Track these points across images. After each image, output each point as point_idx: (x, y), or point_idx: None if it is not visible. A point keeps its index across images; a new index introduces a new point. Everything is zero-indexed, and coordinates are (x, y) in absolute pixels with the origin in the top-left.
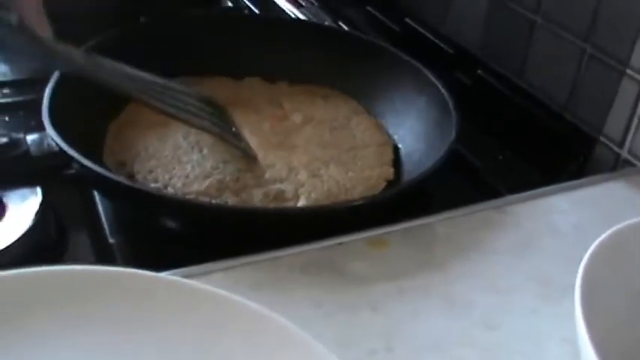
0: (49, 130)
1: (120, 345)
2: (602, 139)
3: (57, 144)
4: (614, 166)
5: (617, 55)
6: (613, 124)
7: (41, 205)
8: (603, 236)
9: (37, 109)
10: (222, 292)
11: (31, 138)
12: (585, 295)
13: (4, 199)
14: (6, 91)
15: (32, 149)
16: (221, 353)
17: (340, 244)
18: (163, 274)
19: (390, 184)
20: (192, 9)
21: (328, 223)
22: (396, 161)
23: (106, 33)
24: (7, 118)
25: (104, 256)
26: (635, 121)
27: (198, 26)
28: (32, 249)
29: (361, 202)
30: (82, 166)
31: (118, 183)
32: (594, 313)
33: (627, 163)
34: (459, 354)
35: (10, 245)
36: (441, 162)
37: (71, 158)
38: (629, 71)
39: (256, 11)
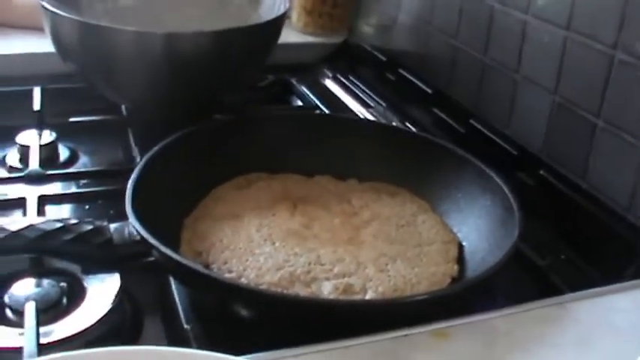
0: (132, 219)
1: None
2: None
3: (138, 232)
4: None
5: None
6: None
7: (119, 290)
8: None
9: (115, 199)
10: None
11: (113, 226)
12: None
13: (85, 283)
14: (86, 181)
15: (115, 237)
16: None
17: (405, 335)
18: (236, 358)
19: (454, 280)
20: (263, 107)
21: (395, 316)
22: (460, 258)
23: (180, 132)
24: (87, 207)
25: (178, 342)
26: None
27: (271, 124)
28: (109, 333)
29: (426, 297)
30: (161, 253)
31: (195, 271)
32: None
33: None
34: None
35: (88, 328)
36: (504, 260)
37: (151, 246)
38: None
39: (325, 110)
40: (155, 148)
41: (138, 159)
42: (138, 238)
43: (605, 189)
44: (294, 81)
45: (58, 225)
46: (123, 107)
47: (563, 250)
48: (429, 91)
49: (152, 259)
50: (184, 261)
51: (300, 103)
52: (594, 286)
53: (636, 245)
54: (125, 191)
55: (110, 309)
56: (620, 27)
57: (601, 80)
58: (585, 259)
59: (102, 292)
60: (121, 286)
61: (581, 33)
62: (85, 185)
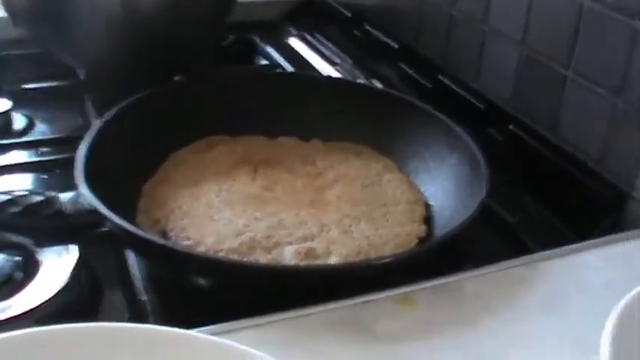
0: (82, 188)
1: None
2: (634, 194)
3: (90, 203)
4: None
5: None
6: None
7: (77, 262)
8: (631, 293)
9: (67, 168)
10: (251, 350)
11: (66, 196)
12: (614, 351)
13: (39, 257)
14: (45, 149)
15: (67, 207)
16: None
17: (367, 302)
18: (193, 332)
19: (422, 241)
20: (225, 67)
21: (359, 281)
22: (428, 219)
23: (138, 93)
24: (46, 176)
25: (136, 314)
26: None
27: (233, 85)
28: (66, 307)
29: (392, 259)
30: (115, 224)
31: (149, 241)
32: None
33: None
34: None
35: (44, 302)
36: (472, 218)
37: (104, 217)
38: None
39: (290, 69)
40: (109, 112)
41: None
42: (91, 207)
43: (576, 142)
44: (257, 40)
45: (5, 198)
46: (80, 72)
47: (533, 206)
48: (396, 46)
49: (107, 228)
50: (138, 231)
51: (264, 62)
52: (566, 243)
53: (608, 199)
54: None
55: (67, 282)
56: None
57: (570, 30)
58: (556, 215)
59: (58, 265)
60: (79, 258)
61: None
62: (42, 154)
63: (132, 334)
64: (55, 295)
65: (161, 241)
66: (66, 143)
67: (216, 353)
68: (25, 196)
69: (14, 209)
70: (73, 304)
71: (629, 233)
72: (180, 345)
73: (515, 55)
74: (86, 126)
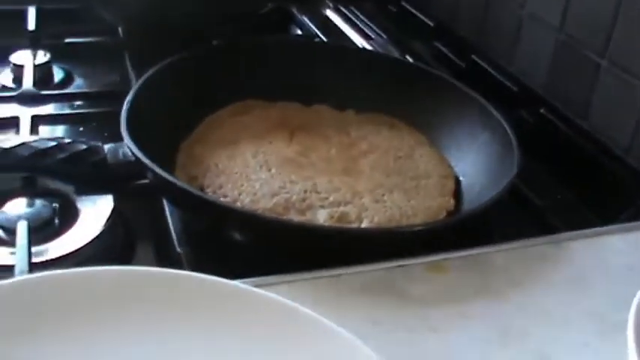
0: (127, 139)
1: (184, 348)
2: None
3: (133, 153)
4: None
5: None
6: None
7: (112, 212)
8: None
9: (110, 122)
10: (289, 302)
11: (107, 147)
12: (638, 330)
13: (78, 204)
14: (80, 102)
15: (109, 157)
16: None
17: (401, 266)
18: (233, 282)
19: (450, 214)
20: (262, 35)
21: (389, 246)
22: (457, 193)
23: (177, 55)
24: (81, 129)
25: (170, 266)
26: None
27: (270, 52)
28: (100, 254)
29: (422, 228)
30: (156, 175)
31: (190, 193)
32: None
33: None
34: None
35: (79, 249)
36: (501, 195)
37: (146, 167)
38: None
39: (325, 40)
40: (152, 71)
41: (134, 82)
42: (132, 159)
43: (606, 130)
44: (294, 10)
45: (52, 143)
46: (120, 29)
47: (560, 190)
48: (432, 24)
49: (146, 181)
50: (179, 183)
51: (299, 32)
52: (591, 226)
53: (635, 187)
54: (120, 113)
55: (102, 231)
56: None
57: (607, 19)
58: (583, 200)
59: (95, 213)
60: (114, 208)
61: None
62: (79, 107)
63: (170, 279)
64: (89, 243)
65: (201, 193)
66: (103, 98)
67: (253, 304)
68: (70, 143)
69: (61, 155)
70: (107, 252)
71: None
72: (219, 293)
73: (551, 41)
74: (123, 82)
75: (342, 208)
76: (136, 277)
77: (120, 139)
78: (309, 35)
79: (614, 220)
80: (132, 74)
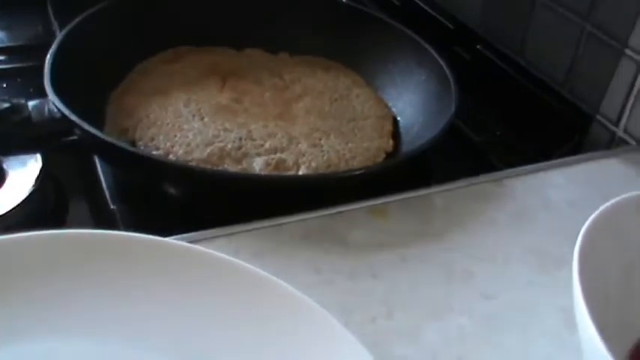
0: (52, 95)
1: (123, 308)
2: (598, 117)
3: (59, 110)
4: (610, 144)
5: (617, 35)
6: (609, 103)
7: (41, 171)
8: (602, 207)
9: (35, 76)
10: (226, 257)
11: (32, 104)
12: (583, 264)
13: (5, 165)
14: (2, 57)
15: (33, 115)
16: (226, 318)
17: (340, 212)
18: (168, 239)
19: (389, 155)
20: None
21: (328, 192)
22: (395, 133)
23: (103, 2)
24: (4, 85)
25: (105, 223)
26: (632, 100)
27: None
28: (32, 215)
29: (361, 172)
30: (84, 131)
31: (120, 149)
32: (590, 281)
33: (622, 142)
34: (457, 322)
35: (10, 211)
36: (440, 134)
37: (73, 124)
38: (627, 51)
39: None
40: (76, 20)
41: (58, 33)
42: (59, 115)
43: (542, 65)
44: None
45: None
46: None
47: (498, 127)
48: None
49: (75, 137)
50: (109, 139)
51: None
52: (530, 163)
53: (572, 122)
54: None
55: (32, 191)
56: None
57: None
58: (521, 136)
59: (23, 174)
60: (42, 167)
61: None
62: (1, 62)
63: (104, 241)
64: (19, 205)
65: (132, 148)
66: (27, 51)
67: (190, 261)
68: None
69: None
70: (38, 213)
71: (591, 154)
72: (155, 252)
73: None
74: (47, 34)
75: (278, 155)
76: (69, 240)
77: (45, 94)
78: None
79: (554, 154)
80: (55, 24)
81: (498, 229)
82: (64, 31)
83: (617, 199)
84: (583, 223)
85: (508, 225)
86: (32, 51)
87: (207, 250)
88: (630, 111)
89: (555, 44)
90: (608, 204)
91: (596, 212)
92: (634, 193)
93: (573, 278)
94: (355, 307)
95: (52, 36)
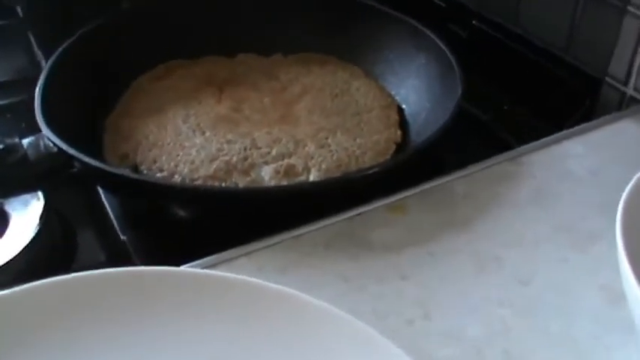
0: (45, 130)
1: (151, 341)
2: (607, 79)
3: (55, 144)
4: (621, 105)
5: None
6: (616, 63)
7: (44, 209)
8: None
9: (26, 111)
10: (248, 279)
11: (26, 141)
12: (626, 235)
13: (7, 208)
14: None
15: (30, 153)
16: (258, 344)
17: (359, 214)
18: (185, 268)
19: (399, 146)
20: None
21: (344, 195)
22: (402, 122)
23: (84, 28)
24: None
25: (117, 255)
26: (639, 58)
27: (183, 6)
28: (40, 255)
29: (375, 170)
30: (84, 163)
31: (122, 177)
32: (637, 252)
33: (634, 101)
34: (497, 314)
35: (17, 255)
36: (450, 120)
37: (71, 157)
38: (630, 8)
39: None
40: (60, 49)
41: (43, 63)
42: (55, 150)
43: (541, 32)
44: None
45: None
46: (18, 9)
47: (505, 101)
48: None
49: (75, 170)
50: (109, 168)
51: None
52: (543, 134)
53: (579, 87)
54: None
55: (37, 231)
56: None
57: None
58: (530, 108)
59: (26, 214)
60: (45, 204)
61: None
62: None
63: (118, 279)
64: (26, 247)
65: (134, 175)
66: (14, 86)
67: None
68: None
69: None
70: (46, 252)
71: (605, 118)
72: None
73: None
74: (33, 66)
75: (286, 161)
76: (86, 281)
77: (39, 129)
78: None
79: (566, 123)
80: (40, 55)
81: (522, 210)
82: (49, 62)
83: None
84: (609, 192)
85: (532, 204)
86: (19, 85)
87: (227, 275)
88: (638, 69)
89: (552, 8)
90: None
91: (633, 181)
92: None
93: (618, 252)
94: (389, 312)
95: (38, 67)
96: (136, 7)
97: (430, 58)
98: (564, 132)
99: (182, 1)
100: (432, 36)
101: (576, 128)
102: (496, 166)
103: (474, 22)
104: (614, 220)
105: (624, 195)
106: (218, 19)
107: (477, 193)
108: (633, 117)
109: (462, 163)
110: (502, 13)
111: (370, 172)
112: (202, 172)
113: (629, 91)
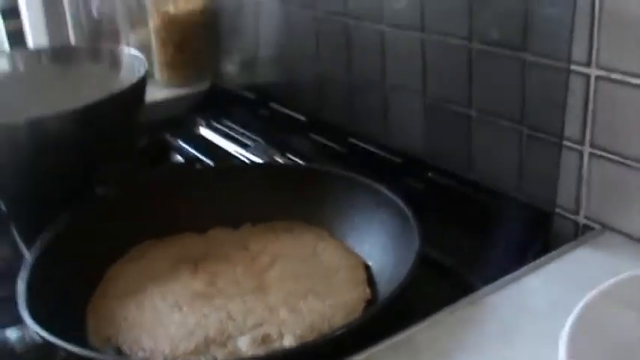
0: (31, 324)
1: None
2: (558, 210)
3: (41, 336)
4: (576, 234)
5: (552, 131)
6: (564, 194)
7: None
8: (576, 310)
9: (8, 303)
10: None
11: (13, 336)
12: None
13: None
14: None
15: (16, 346)
16: None
17: None
18: None
19: (369, 303)
20: (143, 171)
21: (317, 357)
22: (370, 279)
23: (64, 217)
24: None
25: None
26: (584, 187)
27: (153, 190)
28: None
29: (344, 331)
30: (69, 353)
31: None
32: None
33: (587, 228)
34: None
35: None
36: (411, 275)
37: (59, 348)
38: (566, 142)
39: (207, 161)
40: (37, 245)
41: (26, 253)
42: (41, 341)
43: (492, 175)
44: (168, 137)
45: None
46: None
47: (466, 244)
48: (303, 118)
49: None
50: (93, 354)
51: (179, 157)
52: (505, 271)
53: (533, 222)
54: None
55: None
56: (470, 18)
57: (465, 72)
58: (490, 247)
59: None
60: None
61: (436, 32)
62: None
63: None
64: None
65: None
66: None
67: None
68: None
69: None
70: None
71: (561, 249)
72: None
73: (419, 105)
74: (16, 257)
75: (262, 330)
76: None
77: (22, 320)
78: (188, 160)
79: (524, 257)
80: (22, 245)
81: (487, 351)
82: (28, 258)
83: (592, 293)
84: None
85: (497, 344)
86: (3, 277)
87: None
88: (586, 197)
89: (499, 153)
90: (582, 303)
91: (572, 315)
92: (597, 289)
93: None
94: None
95: (21, 259)
96: (107, 196)
97: (389, 213)
98: (523, 268)
99: (150, 184)
100: (389, 193)
101: (534, 263)
102: (459, 310)
103: (430, 174)
104: None
105: (565, 331)
106: (187, 198)
107: (442, 339)
108: (587, 244)
109: (427, 310)
110: (455, 162)
111: (338, 334)
112: (183, 348)
113: (581, 219)
